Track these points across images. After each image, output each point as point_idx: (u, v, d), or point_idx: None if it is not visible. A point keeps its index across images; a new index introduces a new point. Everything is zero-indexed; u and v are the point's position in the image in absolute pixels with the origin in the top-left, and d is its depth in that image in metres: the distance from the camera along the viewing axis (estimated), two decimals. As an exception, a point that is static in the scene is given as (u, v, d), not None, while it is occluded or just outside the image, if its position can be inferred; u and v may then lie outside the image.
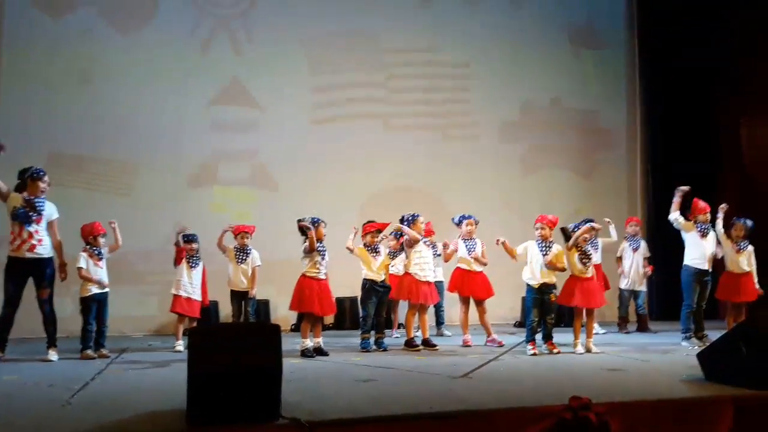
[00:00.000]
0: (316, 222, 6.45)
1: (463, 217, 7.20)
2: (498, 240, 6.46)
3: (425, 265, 6.83)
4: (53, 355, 5.96)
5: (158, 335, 8.29)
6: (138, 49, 9.11)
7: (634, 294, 8.34)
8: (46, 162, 8.01)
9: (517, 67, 10.46)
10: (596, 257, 6.75)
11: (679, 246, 7.12)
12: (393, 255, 7.20)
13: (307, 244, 6.31)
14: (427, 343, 6.73)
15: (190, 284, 6.88)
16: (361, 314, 6.86)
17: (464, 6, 10.41)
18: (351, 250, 6.70)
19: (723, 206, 7.07)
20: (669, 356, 6.12)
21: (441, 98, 10.30)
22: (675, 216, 6.94)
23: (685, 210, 7.09)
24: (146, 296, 8.62)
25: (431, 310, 7.62)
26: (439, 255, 7.45)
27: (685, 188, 6.93)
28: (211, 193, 9.26)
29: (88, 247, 6.37)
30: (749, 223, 7.18)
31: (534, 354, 6.14)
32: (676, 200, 6.94)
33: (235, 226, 7.24)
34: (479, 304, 7.08)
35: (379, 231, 6.76)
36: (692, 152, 10.12)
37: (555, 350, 6.26)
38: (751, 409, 4.15)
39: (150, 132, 9.04)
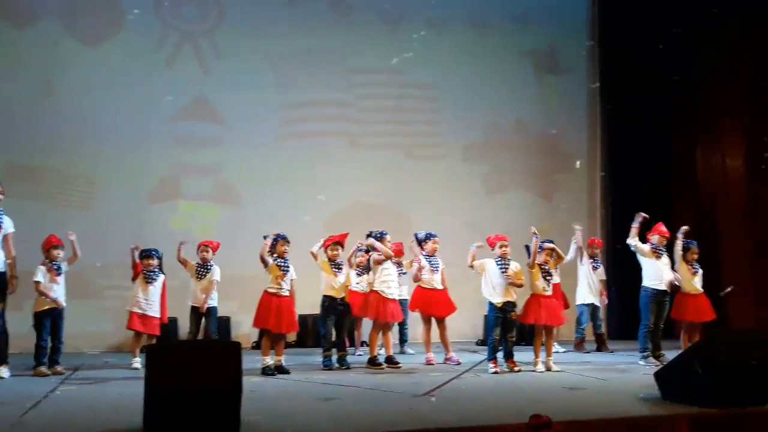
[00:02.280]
0: (279, 238, 6.41)
1: (430, 235, 7.23)
2: (478, 245, 6.55)
3: (391, 282, 6.82)
4: (4, 371, 5.81)
5: (115, 352, 8.10)
6: (102, 62, 9.00)
7: (593, 311, 8.45)
8: (4, 173, 7.82)
9: (481, 90, 10.61)
10: (555, 276, 6.85)
11: (637, 266, 7.28)
12: (360, 272, 7.18)
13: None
14: (390, 361, 6.71)
15: (146, 301, 6.72)
16: (321, 332, 6.81)
17: (430, 29, 10.54)
18: (315, 257, 6.63)
19: (684, 228, 7.25)
20: (627, 375, 6.21)
21: (407, 118, 10.38)
22: (634, 242, 7.10)
23: (645, 230, 7.26)
24: (103, 312, 8.42)
25: (395, 327, 7.61)
26: (405, 273, 7.47)
27: (645, 215, 7.11)
28: (173, 208, 9.14)
29: (47, 261, 6.22)
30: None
31: (495, 372, 6.17)
32: (636, 226, 7.10)
33: (201, 242, 7.15)
34: (440, 321, 7.11)
35: (338, 243, 6.69)
36: (650, 176, 10.38)
37: (516, 368, 6.31)
38: (705, 427, 4.24)
39: (112, 145, 8.91)
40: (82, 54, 8.97)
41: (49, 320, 6.14)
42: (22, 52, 8.72)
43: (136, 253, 6.84)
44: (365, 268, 7.17)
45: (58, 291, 6.21)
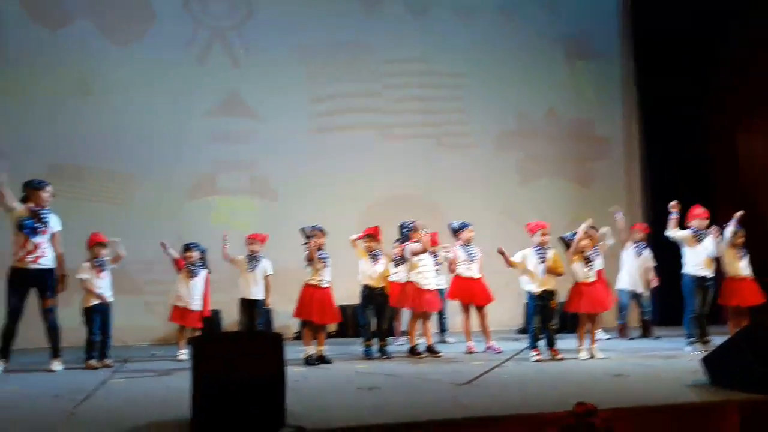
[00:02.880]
0: (315, 230, 6.46)
1: (464, 225, 7.22)
2: (499, 249, 6.43)
3: (428, 273, 6.82)
4: (57, 365, 5.96)
5: (161, 344, 8.26)
6: (136, 61, 9.12)
7: (636, 297, 8.35)
8: (46, 174, 7.97)
9: (512, 78, 10.51)
10: (598, 262, 6.76)
11: (680, 251, 7.15)
12: (398, 262, 7.19)
13: (307, 253, 6.34)
14: (430, 351, 6.72)
15: (188, 294, 6.85)
16: (360, 322, 6.85)
17: (458, 18, 10.47)
18: (355, 245, 6.66)
19: (739, 214, 7.09)
20: (673, 361, 6.12)
21: (437, 108, 10.35)
22: (672, 233, 7.01)
23: (682, 215, 7.13)
24: (148, 306, 8.59)
25: (434, 317, 7.61)
26: (441, 263, 7.45)
27: (676, 204, 6.98)
28: (210, 203, 9.26)
29: (91, 258, 6.34)
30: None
31: (538, 360, 6.14)
32: (673, 217, 6.99)
33: (249, 235, 7.22)
34: (479, 309, 7.10)
35: (370, 236, 6.67)
36: (690, 159, 10.17)
37: (558, 356, 6.26)
38: (757, 413, 4.15)
39: (149, 143, 9.05)
40: (115, 53, 9.10)
41: (98, 315, 6.27)
42: (58, 53, 8.87)
43: (171, 250, 6.94)
44: (401, 258, 7.16)
45: (103, 286, 6.33)
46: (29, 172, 6.29)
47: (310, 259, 6.36)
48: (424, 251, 6.75)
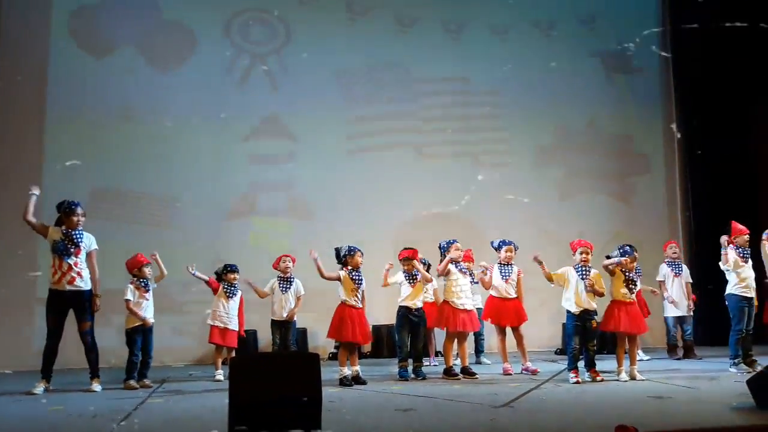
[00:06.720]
0: (352, 250, 6.48)
1: (503, 243, 7.13)
2: (536, 256, 6.28)
3: (462, 293, 6.75)
4: (96, 385, 6.05)
5: (198, 365, 8.37)
6: (177, 87, 9.37)
7: (681, 320, 8.18)
8: (89, 197, 8.24)
9: (550, 93, 10.47)
10: (638, 283, 6.61)
11: (721, 270, 6.96)
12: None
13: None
14: (466, 372, 6.64)
15: (226, 314, 6.90)
16: (396, 342, 6.82)
17: (493, 35, 10.52)
18: (386, 283, 6.65)
19: None
20: (717, 383, 5.94)
21: (474, 126, 10.36)
22: (727, 267, 6.82)
23: (725, 233, 6.96)
24: (186, 327, 8.72)
25: (470, 337, 7.52)
26: (477, 282, 7.38)
27: (726, 238, 6.82)
28: (249, 224, 9.39)
29: (135, 279, 6.46)
30: None
31: (577, 382, 6.00)
32: (724, 252, 6.80)
33: (281, 255, 7.30)
34: (515, 330, 6.99)
35: (407, 259, 6.64)
36: (732, 174, 9.93)
37: (598, 378, 6.12)
38: (806, 437, 3.99)
39: (189, 166, 9.26)
40: (157, 79, 9.36)
41: (140, 336, 6.37)
42: (102, 80, 9.15)
43: (197, 273, 6.99)
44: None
45: (146, 307, 6.42)
46: (72, 194, 6.41)
47: (322, 276, 6.38)
48: (445, 268, 6.66)
